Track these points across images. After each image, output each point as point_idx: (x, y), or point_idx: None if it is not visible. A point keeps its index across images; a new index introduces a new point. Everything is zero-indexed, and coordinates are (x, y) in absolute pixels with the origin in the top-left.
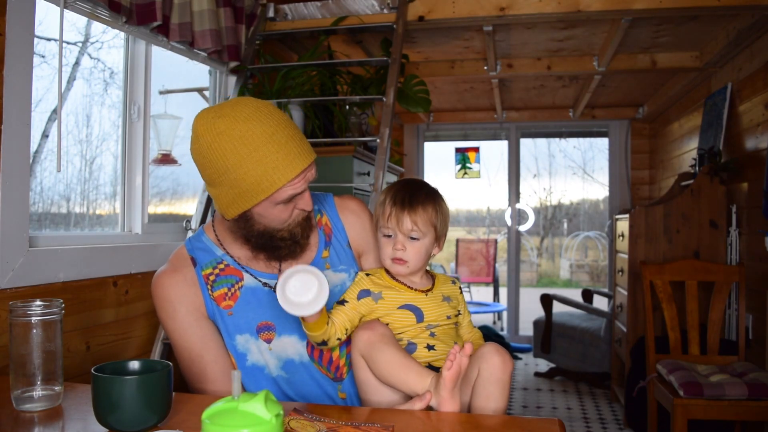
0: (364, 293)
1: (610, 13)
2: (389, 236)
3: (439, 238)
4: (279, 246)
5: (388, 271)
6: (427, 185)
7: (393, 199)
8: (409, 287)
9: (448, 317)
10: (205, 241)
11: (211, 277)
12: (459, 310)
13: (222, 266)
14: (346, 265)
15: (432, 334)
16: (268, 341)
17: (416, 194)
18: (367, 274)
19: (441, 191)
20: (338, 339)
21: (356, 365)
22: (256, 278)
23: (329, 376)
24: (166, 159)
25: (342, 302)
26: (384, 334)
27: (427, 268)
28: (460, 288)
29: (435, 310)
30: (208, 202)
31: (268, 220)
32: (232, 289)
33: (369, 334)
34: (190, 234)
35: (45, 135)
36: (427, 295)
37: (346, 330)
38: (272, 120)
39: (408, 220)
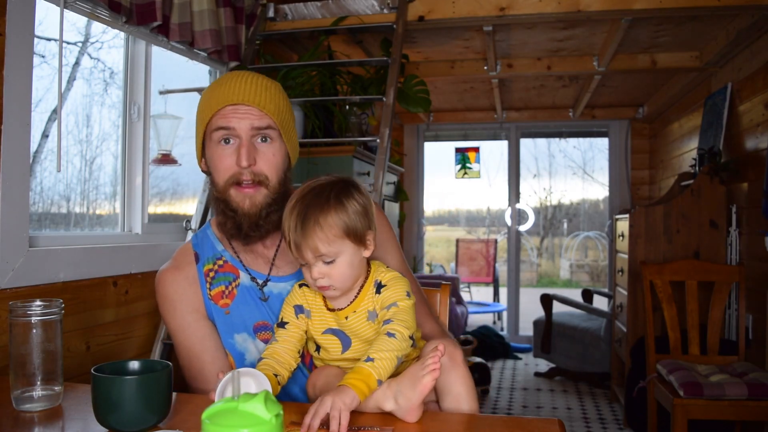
0: (299, 309)
1: (610, 13)
2: (303, 264)
3: (362, 238)
4: (227, 215)
5: None
6: (326, 188)
7: (287, 225)
8: (328, 308)
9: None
10: (209, 235)
11: (211, 274)
12: (391, 304)
13: (221, 262)
14: None
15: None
16: (266, 341)
17: (308, 213)
18: (301, 285)
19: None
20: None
21: None
22: (251, 276)
23: None
24: (166, 159)
25: (282, 324)
26: (331, 374)
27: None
28: (405, 286)
29: (362, 334)
30: (208, 202)
31: (214, 168)
32: (230, 287)
33: (314, 380)
34: (190, 234)
35: (45, 135)
36: (347, 319)
37: (298, 351)
38: (250, 73)
39: (307, 250)
